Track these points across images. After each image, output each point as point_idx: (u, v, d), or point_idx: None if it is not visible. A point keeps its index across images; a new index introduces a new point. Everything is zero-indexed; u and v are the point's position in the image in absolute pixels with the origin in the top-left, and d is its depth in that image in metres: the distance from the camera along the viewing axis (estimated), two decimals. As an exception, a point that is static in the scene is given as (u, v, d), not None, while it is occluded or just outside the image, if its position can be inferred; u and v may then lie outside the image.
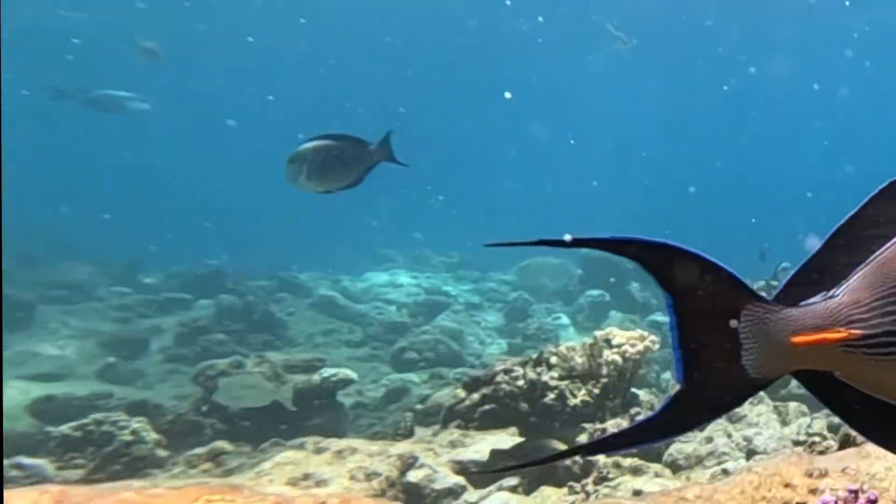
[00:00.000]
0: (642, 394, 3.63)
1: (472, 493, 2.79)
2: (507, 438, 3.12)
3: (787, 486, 1.37)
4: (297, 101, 17.74)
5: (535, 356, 3.62)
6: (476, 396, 3.43)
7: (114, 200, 14.11)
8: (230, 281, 8.91)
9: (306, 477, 2.56)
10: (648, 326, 9.62)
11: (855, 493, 1.02)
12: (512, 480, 2.92)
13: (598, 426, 3.29)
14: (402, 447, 2.92)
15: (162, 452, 3.38)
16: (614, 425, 3.31)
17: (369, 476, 2.68)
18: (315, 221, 15.15)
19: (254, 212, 14.85)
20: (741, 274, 0.86)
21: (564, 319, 9.90)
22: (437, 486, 2.77)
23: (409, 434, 3.58)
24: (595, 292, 10.17)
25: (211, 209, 15.05)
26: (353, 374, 5.09)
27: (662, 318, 10.04)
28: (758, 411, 3.82)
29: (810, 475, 1.40)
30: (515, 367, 3.50)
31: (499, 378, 3.44)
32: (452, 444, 3.11)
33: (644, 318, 9.80)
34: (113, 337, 6.68)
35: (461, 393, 3.54)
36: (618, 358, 3.43)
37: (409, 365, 7.16)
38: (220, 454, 3.33)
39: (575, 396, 3.43)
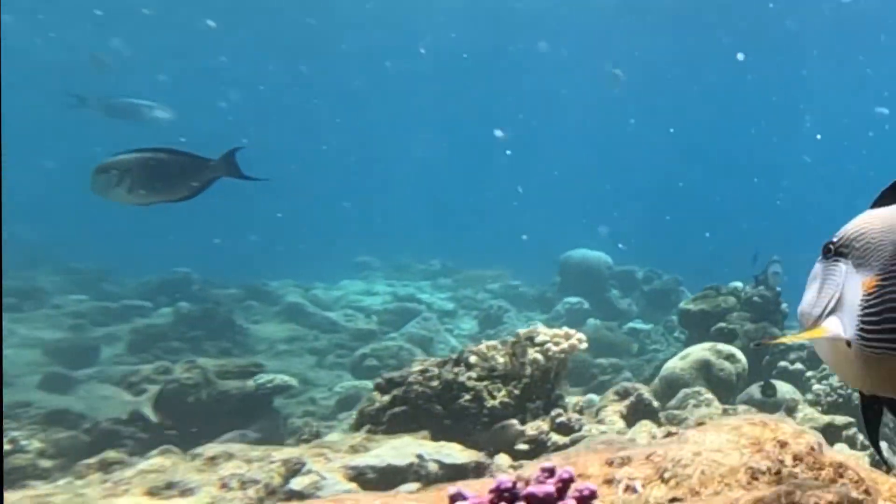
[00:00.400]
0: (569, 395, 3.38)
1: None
2: (411, 442, 2.87)
3: (580, 476, 1.15)
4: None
5: (454, 356, 3.38)
6: (387, 398, 3.19)
7: (96, 208, 13.99)
8: (196, 288, 8.71)
9: (170, 486, 2.32)
10: (627, 334, 9.34)
11: (549, 471, 0.81)
12: (411, 486, 2.68)
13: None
14: (289, 452, 2.67)
15: (46, 463, 3.15)
16: (534, 429, 3.06)
17: (245, 484, 2.43)
18: (299, 231, 14.98)
19: (239, 220, 14.69)
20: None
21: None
22: (325, 493, 2.52)
23: (313, 439, 3.33)
24: (573, 299, 9.90)
25: (199, 217, 14.90)
26: (291, 381, 4.85)
27: (642, 325, 9.74)
28: (699, 413, 3.56)
29: (611, 464, 1.18)
30: (431, 368, 3.26)
31: (412, 379, 3.20)
32: (354, 449, 2.86)
33: (623, 325, 9.51)
34: (59, 345, 6.47)
35: (376, 395, 3.30)
36: (540, 357, 3.18)
37: (369, 372, 6.89)
38: (112, 463, 3.09)
39: (494, 398, 3.19)
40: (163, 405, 4.26)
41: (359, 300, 9.48)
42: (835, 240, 1.12)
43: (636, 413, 3.44)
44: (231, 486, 2.39)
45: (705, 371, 4.64)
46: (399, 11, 14.75)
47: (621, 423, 3.33)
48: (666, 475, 1.12)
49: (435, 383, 3.20)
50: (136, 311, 7.75)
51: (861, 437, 4.31)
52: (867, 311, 1.05)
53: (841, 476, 1.14)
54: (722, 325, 6.12)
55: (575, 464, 1.19)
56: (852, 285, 1.08)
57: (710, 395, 4.05)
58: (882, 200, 1.10)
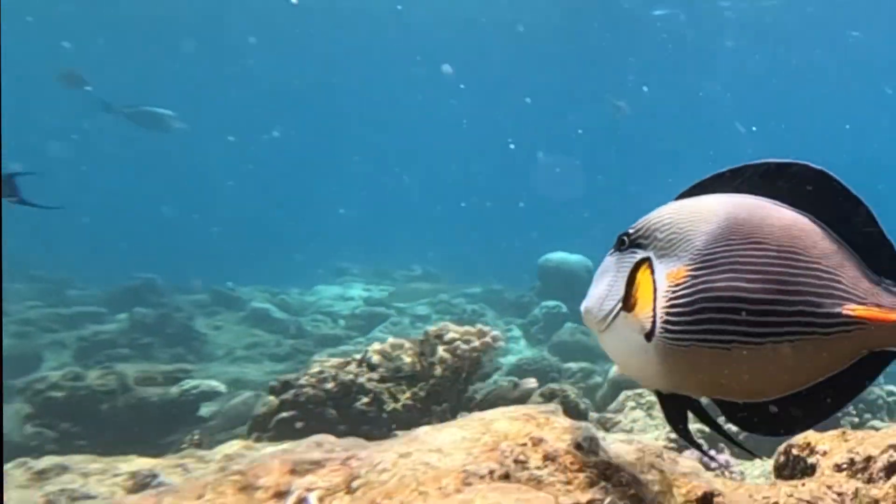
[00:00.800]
0: (481, 396, 3.05)
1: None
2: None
3: (247, 488, 0.87)
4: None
5: (359, 356, 3.07)
6: (276, 402, 2.87)
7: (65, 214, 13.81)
8: (156, 294, 8.44)
9: (-19, 503, 2.00)
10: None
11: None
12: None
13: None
14: (142, 463, 2.36)
15: None
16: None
17: (75, 500, 2.12)
18: (280, 235, 14.72)
19: (223, 223, 14.45)
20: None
21: (516, 331, 9.28)
22: (175, 511, 2.19)
23: (197, 447, 3.01)
24: (551, 303, 9.53)
25: (183, 222, 14.71)
26: (219, 386, 4.54)
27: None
28: (633, 416, 3.23)
29: (293, 471, 0.90)
30: (328, 369, 2.95)
31: (303, 381, 2.88)
32: (228, 458, 2.54)
33: (604, 329, 9.18)
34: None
35: (271, 399, 2.98)
36: (448, 356, 2.86)
37: (326, 379, 6.60)
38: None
39: (396, 400, 2.86)
40: (73, 413, 3.96)
41: (330, 305, 9.18)
42: (631, 231, 1.06)
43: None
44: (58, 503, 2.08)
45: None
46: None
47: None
48: (355, 483, 0.84)
49: (329, 385, 2.88)
50: (90, 318, 7.48)
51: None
52: (674, 301, 1.00)
53: (607, 479, 0.85)
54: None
55: (246, 473, 0.90)
56: (654, 277, 1.02)
57: (652, 398, 3.69)
58: (687, 194, 1.09)
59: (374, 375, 2.98)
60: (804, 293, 1.01)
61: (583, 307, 1.07)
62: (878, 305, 1.04)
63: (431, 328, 3.01)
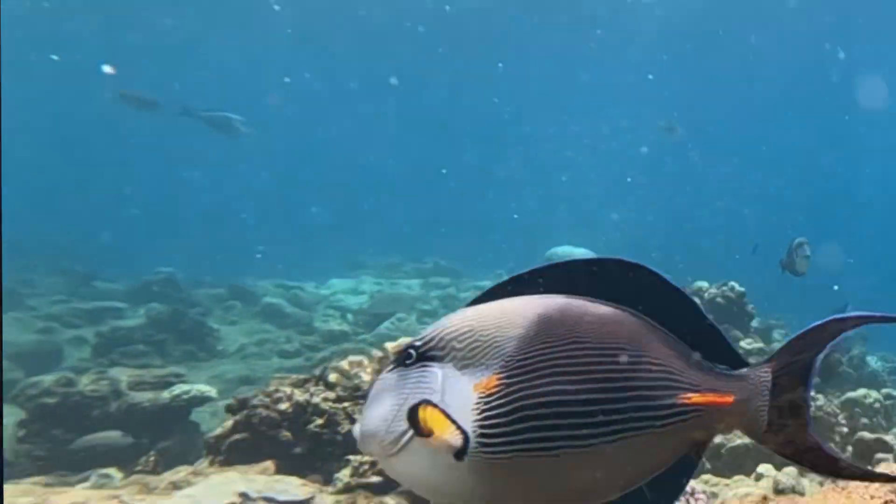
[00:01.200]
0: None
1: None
2: (238, 478, 2.59)
3: None
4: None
5: (317, 373, 3.09)
6: (230, 423, 2.92)
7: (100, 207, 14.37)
8: (175, 289, 8.72)
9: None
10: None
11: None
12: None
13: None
14: (73, 496, 2.41)
15: None
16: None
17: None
18: (303, 230, 14.95)
19: (235, 218, 14.78)
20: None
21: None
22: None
23: (151, 472, 3.10)
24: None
25: (200, 215, 15.11)
26: (210, 392, 4.66)
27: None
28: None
29: None
30: (283, 388, 2.98)
31: (256, 401, 2.92)
32: (174, 486, 2.61)
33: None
34: (23, 350, 6.53)
35: (228, 418, 3.04)
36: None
37: (329, 378, 6.69)
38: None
39: (353, 421, 2.87)
40: (65, 419, 4.14)
41: (342, 300, 9.29)
42: (419, 343, 0.98)
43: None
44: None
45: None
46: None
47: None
48: None
49: (284, 406, 2.91)
50: (110, 313, 7.78)
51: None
52: (489, 413, 0.93)
53: None
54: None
55: None
56: (458, 390, 0.95)
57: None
58: (480, 300, 1.02)
59: (331, 395, 3.00)
60: (634, 388, 0.97)
61: (357, 431, 0.98)
62: (714, 391, 1.00)
63: (391, 344, 3.00)
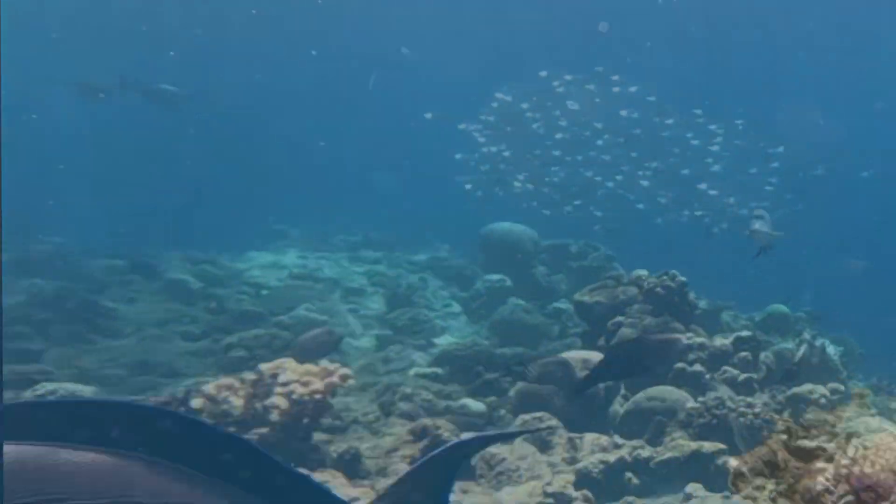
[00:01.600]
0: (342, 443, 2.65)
1: None
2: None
3: None
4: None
5: (181, 394, 2.62)
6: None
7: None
8: (64, 262, 7.81)
9: None
10: (549, 315, 8.64)
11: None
12: None
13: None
14: None
15: None
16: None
17: None
18: (221, 195, 13.92)
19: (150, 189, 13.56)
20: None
21: (455, 307, 8.94)
22: None
23: None
24: (494, 277, 9.17)
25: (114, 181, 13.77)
26: (82, 391, 4.08)
27: (566, 304, 9.06)
28: (522, 452, 2.89)
29: None
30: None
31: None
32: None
33: (547, 304, 8.83)
34: None
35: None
36: (282, 402, 2.42)
37: (238, 364, 6.15)
38: None
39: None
40: None
41: (259, 276, 8.65)
42: None
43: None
44: None
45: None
46: None
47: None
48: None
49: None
50: (-17, 290, 6.84)
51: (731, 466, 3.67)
52: None
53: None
54: (619, 318, 5.46)
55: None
56: None
57: (554, 422, 3.36)
58: None
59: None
60: None
61: None
62: None
63: (266, 365, 2.57)
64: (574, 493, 3.07)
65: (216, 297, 7.76)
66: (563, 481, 3.09)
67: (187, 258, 8.68)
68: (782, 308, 6.38)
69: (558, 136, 10.89)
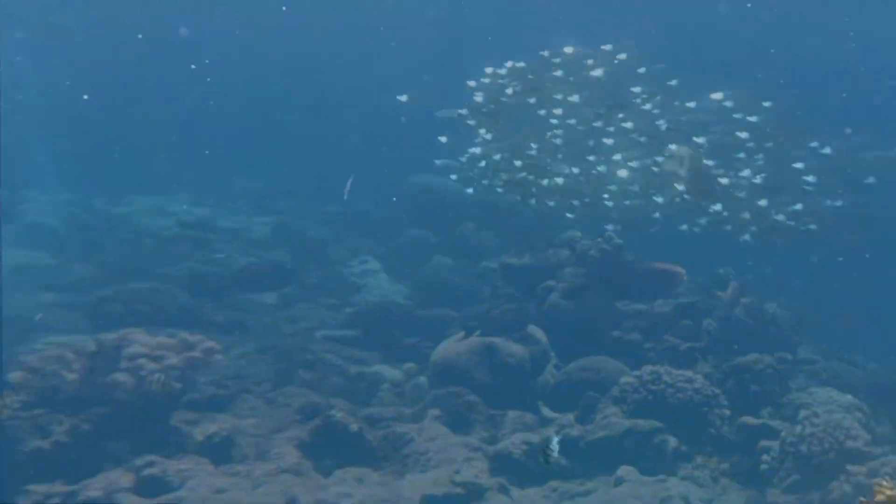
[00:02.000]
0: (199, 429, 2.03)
1: None
2: None
3: None
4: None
5: None
6: None
7: None
8: None
9: None
10: (478, 274, 8.06)
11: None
12: None
13: None
14: None
15: None
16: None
17: None
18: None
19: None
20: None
21: (373, 264, 8.28)
22: None
23: None
24: (417, 232, 8.59)
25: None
26: None
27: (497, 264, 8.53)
28: (433, 432, 2.39)
29: None
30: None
31: None
32: None
33: (476, 264, 8.27)
34: None
35: None
36: (128, 379, 1.75)
37: (110, 321, 5.20)
38: None
39: (47, 437, 1.76)
40: None
41: (141, 222, 7.54)
42: None
43: (319, 445, 2.19)
44: None
45: (488, 358, 3.52)
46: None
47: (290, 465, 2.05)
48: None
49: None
50: None
51: (671, 446, 3.42)
52: None
53: None
54: (550, 282, 5.07)
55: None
56: None
57: (472, 398, 2.89)
58: None
59: (15, 400, 1.84)
60: None
61: None
62: None
63: (109, 335, 1.91)
64: (487, 482, 2.63)
65: (91, 244, 6.66)
66: (477, 468, 2.64)
67: (57, 200, 7.42)
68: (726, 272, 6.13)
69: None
